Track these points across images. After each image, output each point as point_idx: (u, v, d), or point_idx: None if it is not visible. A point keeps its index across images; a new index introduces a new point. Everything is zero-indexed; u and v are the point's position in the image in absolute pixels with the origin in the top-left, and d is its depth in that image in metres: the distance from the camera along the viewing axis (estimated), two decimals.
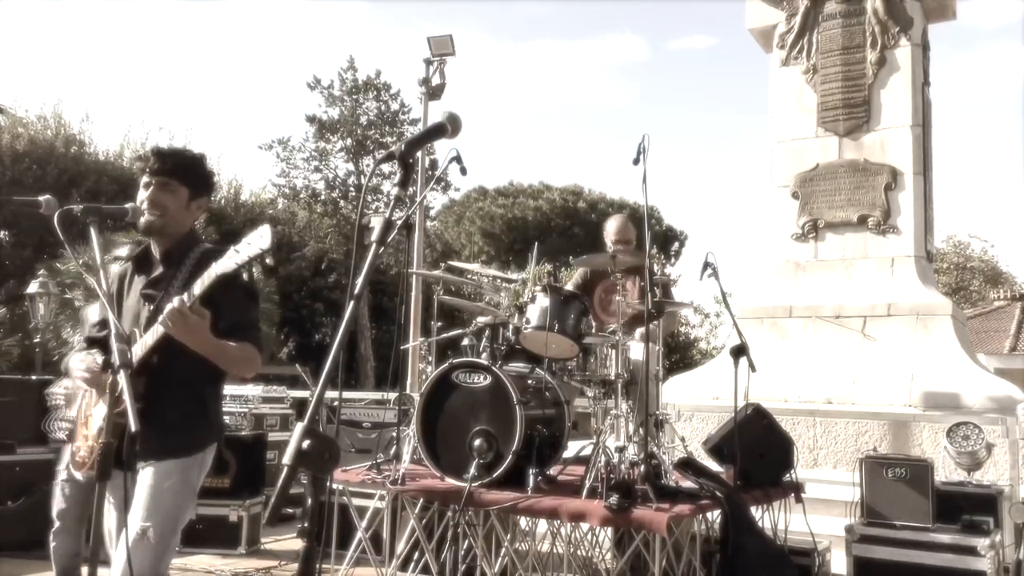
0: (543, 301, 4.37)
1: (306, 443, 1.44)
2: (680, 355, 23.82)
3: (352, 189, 29.23)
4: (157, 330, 2.51)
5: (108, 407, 2.24)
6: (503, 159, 60.99)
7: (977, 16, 56.84)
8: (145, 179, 2.76)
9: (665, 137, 56.58)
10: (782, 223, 7.63)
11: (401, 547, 4.51)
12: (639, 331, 4.87)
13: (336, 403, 6.52)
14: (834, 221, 7.40)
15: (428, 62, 13.17)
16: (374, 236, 1.67)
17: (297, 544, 5.83)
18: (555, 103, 60.19)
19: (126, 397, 2.11)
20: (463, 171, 3.88)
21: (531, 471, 3.95)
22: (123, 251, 3.11)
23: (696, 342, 27.34)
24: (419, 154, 10.06)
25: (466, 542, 4.49)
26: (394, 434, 5.07)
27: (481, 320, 4.66)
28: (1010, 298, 24.82)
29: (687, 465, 4.38)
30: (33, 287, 10.75)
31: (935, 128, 7.73)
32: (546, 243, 29.28)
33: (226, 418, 6.28)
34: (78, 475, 2.71)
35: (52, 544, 2.75)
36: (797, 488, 4.71)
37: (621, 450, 3.98)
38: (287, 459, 1.44)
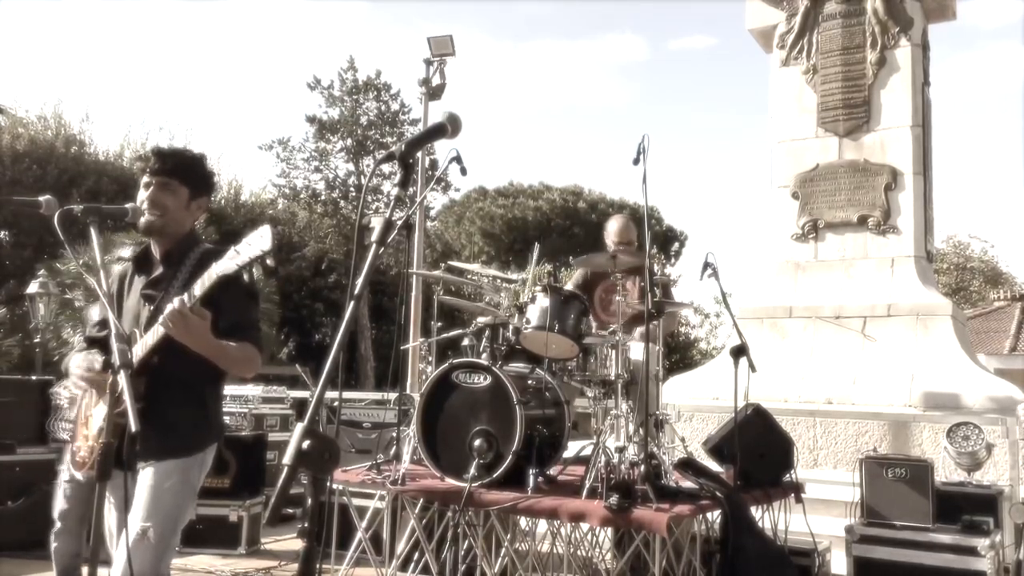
0: (543, 301, 4.37)
1: (306, 443, 1.44)
2: (680, 355, 23.83)
3: (352, 189, 29.23)
4: (157, 330, 2.51)
5: (108, 407, 2.24)
6: (503, 159, 61.04)
7: (977, 16, 56.89)
8: (145, 179, 2.76)
9: (665, 137, 56.63)
10: (782, 223, 7.63)
11: (401, 547, 4.51)
12: (638, 331, 4.87)
13: (336, 403, 6.52)
14: (834, 221, 7.40)
15: (428, 62, 13.17)
16: (374, 236, 1.67)
17: (297, 544, 5.83)
18: (555, 103, 60.24)
19: (126, 397, 2.11)
20: (463, 171, 3.89)
21: (531, 471, 3.95)
22: (126, 251, 3.10)
23: (696, 342, 27.36)
24: (419, 154, 10.07)
25: (466, 542, 4.49)
26: (394, 434, 5.07)
27: (481, 320, 4.66)
28: (1010, 298, 24.82)
29: (687, 465, 4.38)
30: (33, 287, 10.74)
31: (935, 128, 7.74)
32: (546, 243, 29.25)
33: (226, 418, 6.27)
34: (78, 475, 2.71)
35: (53, 544, 2.75)
36: (797, 488, 4.71)
37: (621, 450, 3.98)
38: (287, 459, 1.45)
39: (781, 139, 7.79)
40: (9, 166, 17.12)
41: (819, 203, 7.46)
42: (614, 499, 3.60)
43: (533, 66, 58.89)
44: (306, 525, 1.57)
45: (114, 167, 18.92)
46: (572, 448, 4.49)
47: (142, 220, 2.72)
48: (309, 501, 1.59)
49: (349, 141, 29.50)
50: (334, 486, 4.30)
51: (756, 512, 4.37)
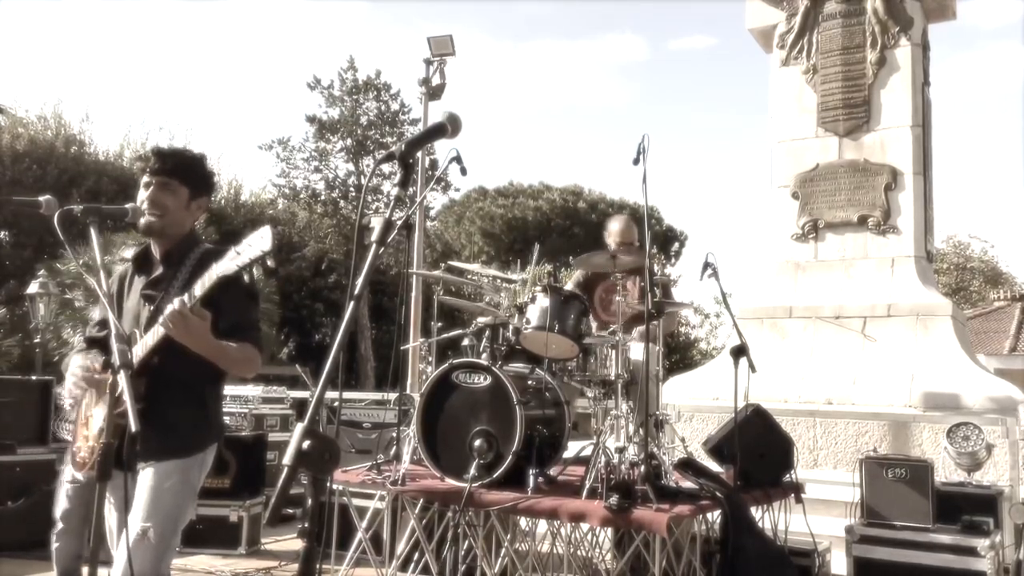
0: (543, 301, 4.37)
1: (306, 443, 1.44)
2: (680, 355, 23.84)
3: (352, 189, 29.22)
4: (157, 331, 2.51)
5: (108, 407, 2.24)
6: (503, 159, 61.04)
7: (977, 16, 56.88)
8: (145, 179, 2.76)
9: (665, 137, 56.63)
10: (782, 223, 7.63)
11: (401, 547, 4.51)
12: (637, 331, 4.87)
13: (336, 403, 6.52)
14: (834, 221, 7.40)
15: (428, 62, 13.16)
16: (374, 236, 1.67)
17: (297, 544, 5.82)
18: (555, 103, 60.24)
19: (126, 397, 2.11)
20: (463, 171, 3.88)
21: (531, 471, 3.95)
22: (129, 252, 3.09)
23: (696, 342, 27.37)
24: (419, 154, 10.06)
25: (466, 542, 4.48)
26: (394, 434, 5.07)
27: (481, 320, 4.66)
28: (1010, 298, 24.82)
29: (687, 465, 4.38)
30: (33, 287, 10.74)
31: (935, 128, 7.74)
32: (546, 243, 29.25)
33: (226, 418, 6.27)
34: (79, 476, 2.71)
35: (55, 545, 2.74)
36: (797, 488, 4.71)
37: (621, 450, 3.98)
38: (287, 459, 1.45)
39: (781, 139, 7.79)
40: (9, 166, 17.12)
41: (819, 203, 7.46)
42: (614, 499, 3.60)
43: (533, 66, 58.93)
44: (306, 525, 1.56)
45: (114, 167, 18.92)
46: (572, 448, 4.49)
47: (142, 220, 2.72)
48: (309, 501, 1.59)
49: (349, 141, 29.50)
50: (334, 486, 4.30)
51: (756, 512, 4.37)
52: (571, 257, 21.66)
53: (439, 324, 5.07)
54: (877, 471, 4.63)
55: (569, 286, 5.16)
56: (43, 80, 48.99)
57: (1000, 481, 5.49)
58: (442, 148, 17.82)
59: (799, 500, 4.68)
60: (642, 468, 3.82)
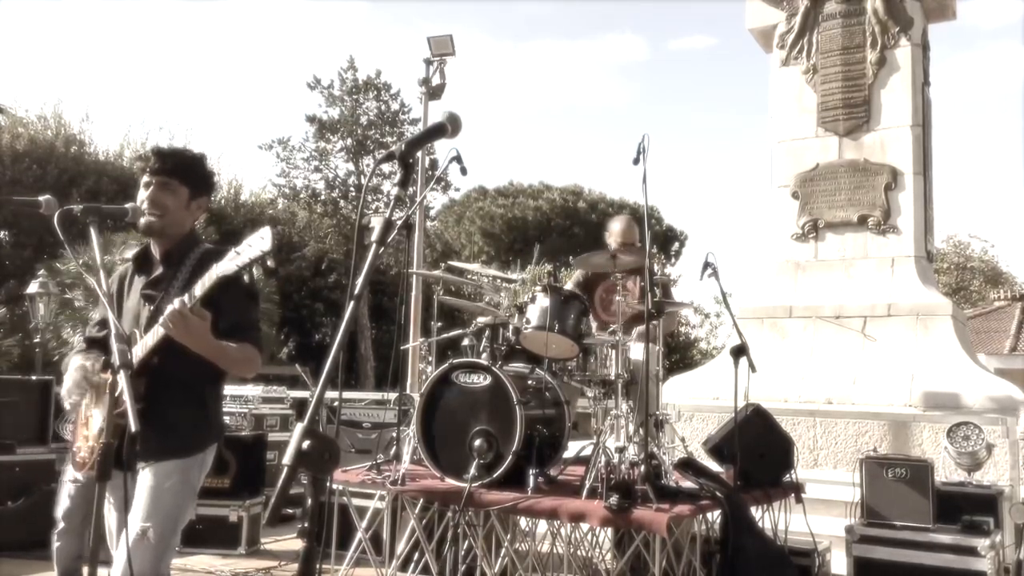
0: (543, 301, 4.37)
1: (306, 443, 1.44)
2: (680, 355, 23.83)
3: (352, 189, 29.22)
4: (157, 331, 2.51)
5: (108, 407, 2.24)
6: (503, 159, 61.05)
7: (977, 16, 56.90)
8: (145, 179, 2.76)
9: (665, 137, 56.63)
10: (782, 223, 7.63)
11: (401, 547, 4.51)
12: (637, 331, 4.87)
13: (336, 403, 6.52)
14: (834, 221, 7.40)
15: (428, 62, 13.16)
16: (374, 236, 1.67)
17: (297, 544, 5.83)
18: (555, 103, 60.24)
19: (126, 397, 2.11)
20: (463, 171, 3.88)
21: (531, 471, 3.95)
22: (130, 252, 3.09)
23: (696, 342, 27.36)
24: (419, 154, 10.06)
25: (466, 542, 4.48)
26: (394, 434, 5.07)
27: (481, 320, 4.66)
28: (1010, 298, 24.82)
29: (687, 465, 4.38)
30: (33, 287, 10.74)
31: (935, 128, 7.74)
32: (546, 243, 29.27)
33: (226, 418, 6.27)
34: (79, 476, 2.71)
35: (56, 544, 2.74)
36: (797, 488, 4.71)
37: (621, 450, 3.98)
38: (287, 459, 1.44)
39: (781, 139, 7.78)
40: (9, 166, 17.12)
41: (819, 203, 7.46)
42: (614, 499, 3.60)
43: (533, 66, 58.93)
44: (306, 525, 1.56)
45: (114, 167, 18.92)
46: (572, 448, 4.49)
47: (142, 220, 2.72)
48: (309, 501, 1.59)
49: (349, 141, 29.51)
50: (334, 486, 4.30)
51: (756, 512, 4.37)
52: (571, 257, 21.67)
53: (439, 324, 5.07)
54: (877, 471, 4.63)
55: (569, 286, 5.16)
56: (43, 80, 49.05)
57: (1000, 481, 5.49)
58: (442, 148, 17.84)
59: (799, 500, 4.68)
60: (642, 468, 3.82)
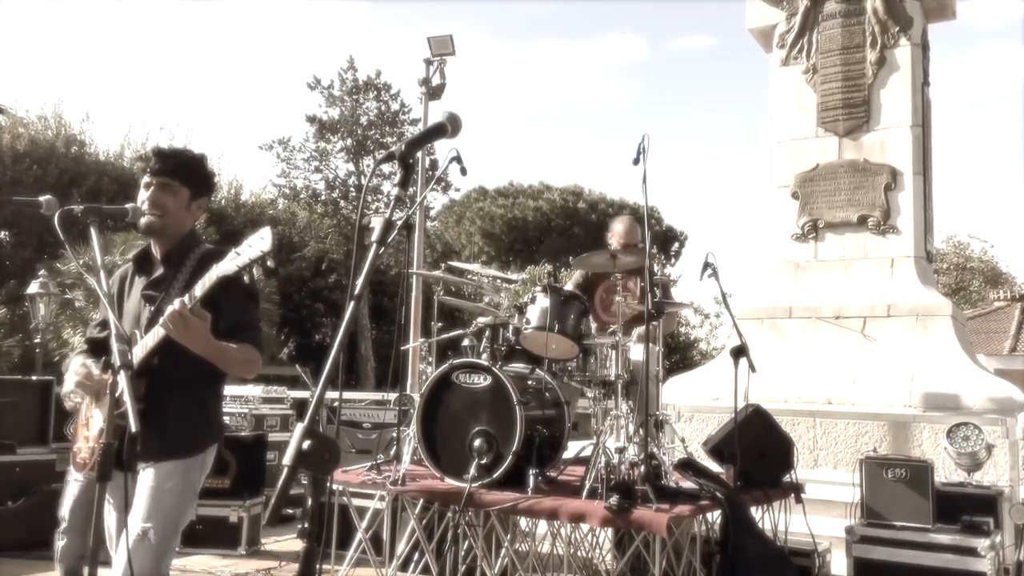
0: (543, 301, 4.37)
1: (306, 444, 1.44)
2: (680, 355, 23.82)
3: (352, 189, 29.23)
4: (158, 332, 2.51)
5: (108, 408, 2.24)
6: (503, 159, 61.06)
7: (977, 16, 56.90)
8: (146, 179, 2.76)
9: (665, 137, 56.64)
10: (782, 223, 7.63)
11: (401, 548, 4.51)
12: (637, 332, 4.87)
13: (336, 404, 6.52)
14: (834, 221, 7.40)
15: (428, 62, 13.14)
16: (374, 236, 1.67)
17: (297, 545, 5.82)
18: (555, 103, 60.24)
19: (126, 398, 2.11)
20: (463, 171, 3.88)
21: (531, 472, 3.95)
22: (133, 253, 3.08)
23: (696, 343, 27.34)
24: (419, 154, 10.05)
25: (466, 543, 4.49)
26: (394, 435, 5.07)
27: (481, 320, 4.66)
28: (1010, 298, 24.82)
29: (687, 466, 4.38)
30: (33, 287, 10.74)
31: (935, 128, 7.74)
32: (546, 243, 29.31)
33: (226, 418, 6.27)
34: (80, 476, 2.71)
35: (60, 542, 2.73)
36: (797, 489, 4.71)
37: (621, 451, 3.98)
38: (287, 460, 1.45)
39: (781, 139, 7.78)
40: (9, 166, 17.11)
41: (819, 203, 7.46)
42: (614, 500, 3.60)
43: (533, 66, 58.93)
44: (306, 525, 1.56)
45: (114, 167, 18.90)
46: (572, 448, 4.49)
47: (142, 220, 2.72)
48: (309, 501, 1.59)
49: (349, 141, 29.51)
50: (334, 486, 4.30)
51: (756, 512, 4.37)
52: (571, 257, 21.69)
53: (439, 324, 5.07)
54: (877, 471, 4.63)
55: (569, 286, 5.16)
56: (43, 80, 49.06)
57: (1000, 481, 5.49)
58: (442, 148, 17.82)
59: (799, 500, 4.68)
60: (642, 468, 3.82)
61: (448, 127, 1.85)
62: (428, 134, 1.95)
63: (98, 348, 2.80)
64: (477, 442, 4.01)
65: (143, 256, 2.87)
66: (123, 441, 2.22)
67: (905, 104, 7.27)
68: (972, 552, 4.30)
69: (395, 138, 28.61)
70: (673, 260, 32.08)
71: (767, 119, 8.02)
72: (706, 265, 4.61)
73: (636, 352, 4.58)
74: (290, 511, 6.70)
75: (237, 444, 6.02)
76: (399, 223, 1.76)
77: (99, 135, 34.01)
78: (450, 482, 4.09)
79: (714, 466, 4.57)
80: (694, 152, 62.37)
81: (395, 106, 29.64)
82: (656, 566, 3.60)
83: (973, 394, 6.15)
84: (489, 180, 44.54)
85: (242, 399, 7.67)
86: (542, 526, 4.68)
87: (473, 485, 3.86)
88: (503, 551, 4.47)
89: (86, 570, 2.16)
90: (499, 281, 5.54)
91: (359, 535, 4.46)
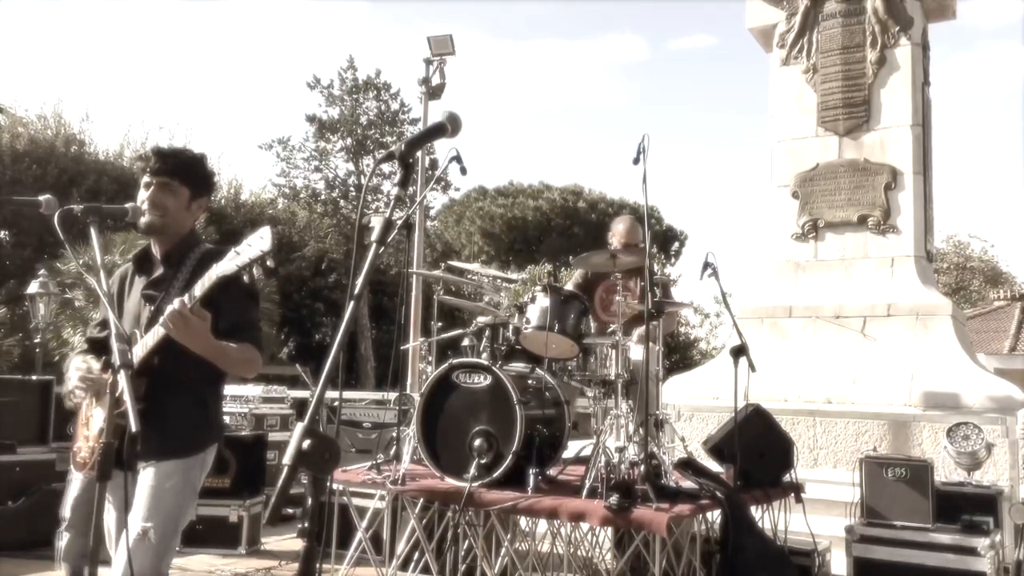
0: (543, 301, 4.37)
1: (306, 443, 1.44)
2: (680, 355, 23.82)
3: (352, 189, 29.23)
4: (158, 331, 2.51)
5: (108, 407, 2.24)
6: (503, 159, 61.08)
7: (977, 16, 56.92)
8: (146, 179, 2.76)
9: (665, 137, 56.66)
10: (782, 223, 7.63)
11: (401, 547, 4.51)
12: (637, 332, 4.87)
13: (336, 403, 6.52)
14: (834, 221, 7.40)
15: (428, 62, 13.15)
16: (374, 236, 1.67)
17: (297, 544, 5.83)
18: (555, 103, 60.25)
19: (126, 397, 2.11)
20: (463, 171, 3.88)
21: (531, 471, 3.95)
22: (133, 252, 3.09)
23: (696, 342, 27.34)
24: (419, 154, 10.05)
25: (466, 542, 4.49)
26: (394, 434, 5.07)
27: (481, 320, 4.66)
28: (1010, 298, 24.81)
29: (687, 465, 4.38)
30: (33, 287, 10.73)
31: (935, 128, 7.73)
32: (546, 243, 29.29)
33: (226, 418, 6.27)
34: (80, 476, 2.71)
35: (63, 540, 2.73)
36: (797, 488, 4.71)
37: (621, 450, 3.98)
38: (287, 459, 1.44)
39: (781, 138, 7.78)
40: (9, 166, 17.10)
41: (819, 203, 7.46)
42: (614, 499, 3.60)
43: (533, 66, 58.93)
44: (306, 525, 1.56)
45: (114, 167, 18.89)
46: (572, 448, 4.49)
47: (142, 220, 2.72)
48: (309, 501, 1.59)
49: (349, 141, 29.51)
50: (334, 486, 4.30)
51: (756, 512, 4.37)
52: (571, 257, 21.68)
53: (439, 324, 5.07)
54: (877, 471, 4.63)
55: (569, 286, 5.16)
56: (43, 80, 49.04)
57: (1000, 481, 5.49)
58: (442, 148, 17.84)
59: (799, 500, 4.68)
60: (642, 468, 3.82)
61: (448, 127, 1.85)
62: (428, 134, 1.95)
63: (98, 348, 2.80)
64: (477, 442, 4.01)
65: (143, 256, 2.87)
66: (123, 440, 2.22)
67: (905, 104, 7.27)
68: (972, 551, 4.30)
69: (395, 138, 28.61)
70: (673, 260, 32.09)
71: (767, 119, 8.02)
72: (706, 265, 4.61)
73: (636, 352, 4.58)
74: (290, 511, 6.70)
75: (237, 444, 6.02)
76: (399, 223, 1.76)
77: (99, 134, 33.97)
78: (450, 481, 4.09)
79: (714, 465, 4.57)
80: (694, 152, 62.42)
81: (395, 106, 29.67)
82: (656, 565, 3.60)
83: (973, 393, 6.15)
84: (489, 180, 44.59)
85: (242, 399, 7.67)
86: (542, 525, 4.68)
87: (473, 485, 3.86)
88: (503, 550, 4.47)
89: (87, 569, 2.16)
90: (499, 281, 5.55)
91: (359, 534, 4.46)
